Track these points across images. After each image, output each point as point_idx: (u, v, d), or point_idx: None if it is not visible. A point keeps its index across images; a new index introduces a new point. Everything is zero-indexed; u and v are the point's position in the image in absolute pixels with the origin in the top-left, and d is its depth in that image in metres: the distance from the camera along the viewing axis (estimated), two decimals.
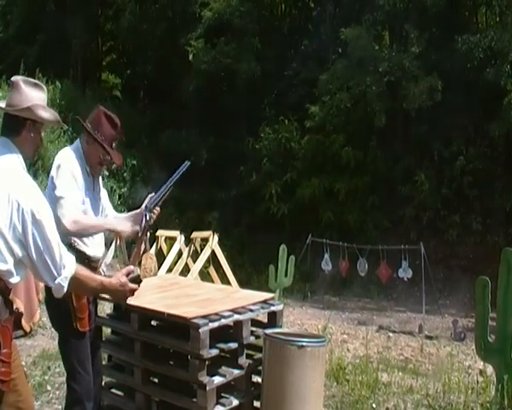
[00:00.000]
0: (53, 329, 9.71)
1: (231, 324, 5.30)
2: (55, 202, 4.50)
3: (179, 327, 5.05)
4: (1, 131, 3.81)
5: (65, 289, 3.62)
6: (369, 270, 18.08)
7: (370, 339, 12.54)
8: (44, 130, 4.09)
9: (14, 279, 3.54)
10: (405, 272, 17.72)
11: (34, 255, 3.52)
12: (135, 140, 24.09)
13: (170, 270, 15.18)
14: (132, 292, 4.06)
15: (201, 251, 16.12)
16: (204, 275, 15.94)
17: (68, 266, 3.64)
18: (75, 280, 3.67)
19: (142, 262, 13.27)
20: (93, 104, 18.74)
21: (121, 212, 18.88)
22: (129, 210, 18.35)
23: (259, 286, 14.71)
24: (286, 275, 16.02)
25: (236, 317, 5.21)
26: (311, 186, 22.11)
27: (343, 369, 8.16)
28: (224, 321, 5.08)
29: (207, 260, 16.17)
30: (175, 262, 15.70)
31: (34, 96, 3.84)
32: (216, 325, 4.96)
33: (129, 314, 5.38)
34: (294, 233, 20.57)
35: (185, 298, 5.67)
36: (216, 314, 5.05)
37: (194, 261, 16.07)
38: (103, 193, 5.42)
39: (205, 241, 16.23)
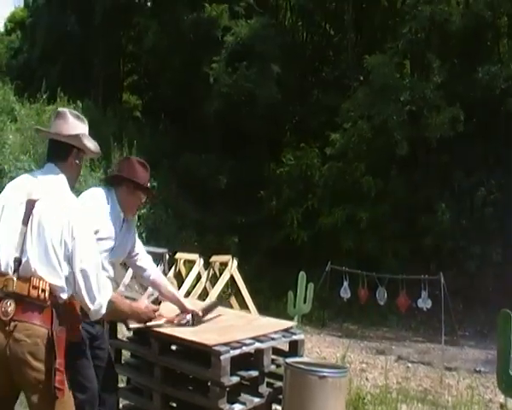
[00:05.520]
0: None
1: (252, 351, 5.23)
2: None
3: (200, 353, 5.00)
4: (47, 156, 4.10)
5: (103, 311, 3.90)
6: (388, 299, 17.98)
7: (389, 369, 12.44)
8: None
9: (65, 295, 3.76)
10: (424, 303, 17.59)
11: (78, 275, 3.77)
12: (155, 162, 23.98)
13: (188, 293, 15.11)
14: (154, 312, 4.67)
15: (220, 275, 16.09)
16: (222, 300, 15.87)
17: (107, 289, 3.95)
18: (110, 303, 3.99)
19: None
20: (114, 125, 18.88)
21: (140, 234, 18.83)
22: (148, 231, 18.32)
23: (278, 312, 14.60)
24: (305, 302, 15.90)
25: (258, 345, 5.17)
26: (333, 215, 21.98)
27: (362, 399, 8.08)
28: (245, 349, 5.03)
29: (226, 285, 16.13)
30: (193, 286, 15.66)
31: (80, 126, 4.15)
32: (237, 352, 4.91)
33: (149, 338, 5.34)
34: (313, 260, 20.39)
35: (206, 324, 5.61)
36: (237, 342, 5.01)
37: (213, 285, 16.03)
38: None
39: (224, 265, 16.18)
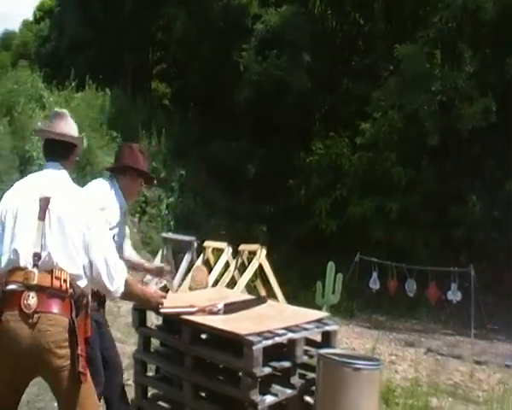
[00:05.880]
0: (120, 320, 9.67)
1: (285, 342, 5.11)
2: None
3: (231, 343, 4.90)
4: (49, 155, 4.36)
5: (121, 291, 4.15)
6: (417, 291, 17.82)
7: (419, 361, 12.26)
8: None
9: (82, 283, 3.94)
10: (454, 295, 17.40)
11: (98, 261, 3.98)
12: (184, 150, 24.08)
13: (216, 282, 15.08)
14: (162, 298, 4.79)
15: (249, 264, 16.01)
16: (250, 288, 15.78)
17: (123, 271, 4.20)
18: (126, 285, 4.20)
19: (193, 274, 13.22)
20: (143, 113, 18.83)
21: (169, 222, 18.95)
22: (176, 220, 18.32)
23: (306, 302, 14.44)
24: (333, 292, 15.80)
25: (290, 335, 5.05)
26: (362, 205, 21.81)
27: (392, 391, 7.97)
28: (277, 339, 4.92)
29: (254, 274, 16.04)
30: (221, 274, 15.58)
31: (76, 127, 4.50)
32: (270, 342, 4.81)
33: (179, 327, 5.25)
34: (342, 250, 20.22)
35: (237, 313, 5.50)
36: (270, 332, 4.90)
37: (241, 274, 15.95)
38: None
39: (252, 254, 16.12)
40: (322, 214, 22.64)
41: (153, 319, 6.44)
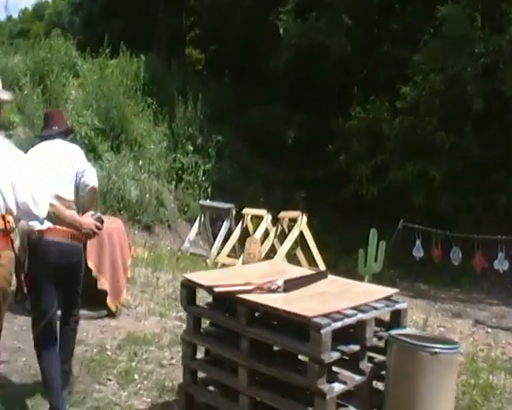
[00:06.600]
0: (137, 309, 9.35)
1: (354, 323, 4.67)
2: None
3: (293, 324, 4.48)
4: None
5: (45, 213, 4.66)
6: (462, 259, 17.37)
7: (469, 334, 11.85)
8: None
9: (17, 220, 4.59)
10: (501, 264, 16.90)
11: (22, 192, 4.46)
12: (220, 116, 23.71)
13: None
14: (96, 227, 5.33)
15: (289, 232, 15.72)
16: (290, 256, 15.44)
17: (45, 197, 4.70)
18: (51, 207, 4.76)
19: (246, 246, 12.88)
20: (178, 79, 18.58)
21: (206, 189, 18.86)
22: (213, 187, 18.19)
23: (347, 270, 14.17)
24: (375, 260, 15.44)
25: (360, 316, 4.61)
26: (404, 170, 21.21)
27: None
28: (347, 321, 4.49)
29: (295, 242, 15.74)
30: (261, 242, 15.29)
31: None
32: (339, 325, 4.38)
33: (235, 306, 4.83)
34: (383, 216, 19.74)
35: (297, 291, 5.06)
36: (338, 313, 4.46)
37: (281, 242, 15.65)
38: None
39: (293, 221, 15.85)
40: (362, 180, 22.09)
41: (205, 297, 6.02)
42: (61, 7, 41.38)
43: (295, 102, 25.42)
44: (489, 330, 13.17)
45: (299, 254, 15.92)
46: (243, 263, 13.13)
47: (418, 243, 17.95)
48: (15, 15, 46.97)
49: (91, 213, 5.39)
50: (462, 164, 20.76)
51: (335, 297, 4.92)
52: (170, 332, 8.26)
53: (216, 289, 4.79)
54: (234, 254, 15.84)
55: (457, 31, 20.78)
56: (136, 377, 6.65)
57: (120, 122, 19.04)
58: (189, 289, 5.31)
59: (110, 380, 6.52)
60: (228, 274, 5.76)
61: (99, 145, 18.00)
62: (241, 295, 4.75)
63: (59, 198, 5.23)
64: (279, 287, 4.91)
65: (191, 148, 21.37)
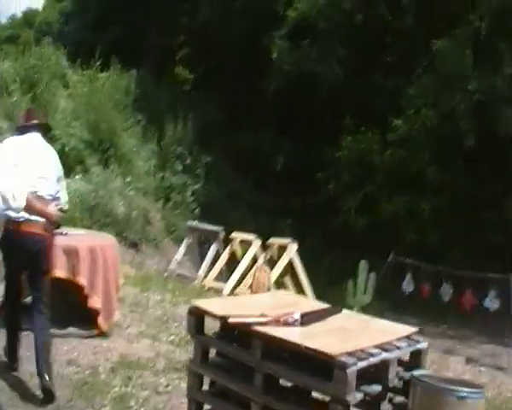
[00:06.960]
0: (129, 330, 9.05)
1: (378, 363, 4.38)
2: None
3: (312, 361, 4.19)
4: None
5: (22, 205, 5.23)
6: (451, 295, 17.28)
7: (462, 372, 11.61)
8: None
9: None
10: (492, 303, 16.83)
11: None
12: (210, 137, 23.57)
13: (243, 275, 14.55)
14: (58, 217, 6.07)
15: (278, 259, 15.50)
16: (278, 284, 15.19)
17: (23, 192, 5.25)
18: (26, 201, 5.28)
19: (256, 274, 12.50)
20: (167, 97, 18.41)
21: (194, 209, 18.67)
22: (201, 208, 17.94)
23: (335, 301, 13.68)
24: (365, 292, 15.32)
25: (385, 355, 4.32)
26: (393, 204, 21.11)
27: None
28: (372, 360, 4.20)
29: (284, 270, 15.52)
30: (250, 267, 15.04)
31: None
32: (365, 364, 4.09)
33: (248, 339, 4.54)
34: (372, 248, 19.63)
35: (314, 325, 4.77)
36: (362, 351, 4.17)
37: (270, 269, 15.39)
38: None
39: (282, 248, 15.62)
40: (351, 211, 21.98)
41: (211, 327, 5.72)
42: (52, 16, 41.19)
43: (285, 128, 25.44)
44: (482, 368, 12.98)
45: (288, 281, 15.67)
46: (251, 292, 12.86)
47: (409, 276, 17.88)
48: (4, 20, 46.62)
49: (54, 203, 6.06)
50: (452, 200, 20.69)
51: (355, 334, 4.66)
52: (164, 357, 7.94)
53: (230, 320, 4.51)
54: (221, 277, 15.58)
55: (451, 67, 20.82)
56: (132, 403, 6.35)
57: (109, 136, 18.77)
58: (198, 317, 5.02)
59: (105, 406, 6.23)
60: (238, 303, 5.48)
61: (87, 158, 17.71)
62: (257, 328, 4.47)
63: (35, 191, 5.82)
64: (296, 320, 4.63)
65: (180, 167, 21.15)
